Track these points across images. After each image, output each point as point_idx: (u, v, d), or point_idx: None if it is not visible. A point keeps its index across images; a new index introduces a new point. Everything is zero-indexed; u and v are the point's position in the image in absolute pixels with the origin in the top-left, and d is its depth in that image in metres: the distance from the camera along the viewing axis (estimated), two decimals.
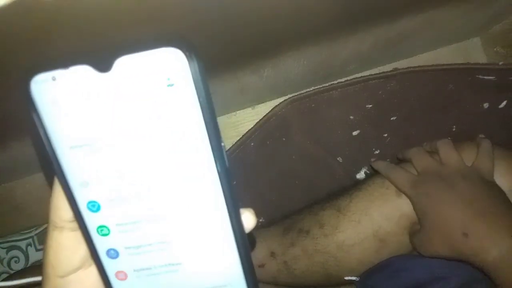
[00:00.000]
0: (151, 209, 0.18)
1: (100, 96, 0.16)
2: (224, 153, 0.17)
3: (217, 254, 0.20)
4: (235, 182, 0.18)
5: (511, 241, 0.38)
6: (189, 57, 0.15)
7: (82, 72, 0.16)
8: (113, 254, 0.20)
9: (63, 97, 0.16)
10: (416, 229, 0.45)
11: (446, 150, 0.45)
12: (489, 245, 0.39)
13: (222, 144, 0.17)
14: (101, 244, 0.20)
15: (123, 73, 0.16)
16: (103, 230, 0.19)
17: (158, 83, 0.16)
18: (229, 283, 0.20)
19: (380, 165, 0.49)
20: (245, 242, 0.19)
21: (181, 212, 0.19)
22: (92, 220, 0.19)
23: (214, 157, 0.17)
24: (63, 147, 0.17)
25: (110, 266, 0.20)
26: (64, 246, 0.20)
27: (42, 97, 0.16)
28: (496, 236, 0.39)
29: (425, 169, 0.45)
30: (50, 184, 0.19)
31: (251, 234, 0.20)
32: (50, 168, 0.18)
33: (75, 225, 0.19)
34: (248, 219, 0.20)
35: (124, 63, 0.16)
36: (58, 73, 0.16)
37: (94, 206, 0.19)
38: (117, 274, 0.20)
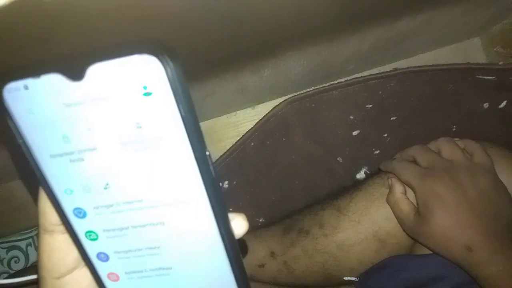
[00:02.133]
0: (138, 216, 0.18)
1: (74, 106, 0.15)
2: (210, 162, 0.17)
3: (207, 260, 0.19)
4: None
5: (510, 262, 0.38)
6: (165, 64, 0.14)
7: (54, 81, 0.15)
8: (103, 257, 0.20)
9: (37, 106, 0.16)
10: (414, 216, 0.44)
11: (449, 147, 0.45)
12: (490, 262, 0.38)
13: (207, 153, 0.16)
14: (91, 248, 0.20)
15: (96, 81, 0.15)
16: (91, 235, 0.19)
17: (133, 92, 0.15)
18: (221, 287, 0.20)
19: (387, 164, 0.48)
20: (235, 248, 0.19)
21: (168, 219, 0.18)
22: (79, 226, 0.19)
23: (199, 166, 0.16)
24: (43, 156, 0.17)
25: (102, 268, 0.20)
26: (57, 249, 0.20)
27: (16, 106, 0.16)
28: (499, 255, 0.38)
29: (430, 163, 0.44)
30: (33, 190, 0.19)
31: (242, 241, 0.19)
32: (33, 176, 0.18)
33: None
34: (239, 224, 0.19)
35: (97, 71, 0.15)
36: (30, 81, 0.15)
37: (80, 213, 0.18)
38: (109, 275, 0.20)
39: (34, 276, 0.37)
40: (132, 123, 0.16)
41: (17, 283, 0.39)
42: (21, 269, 0.64)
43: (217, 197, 0.17)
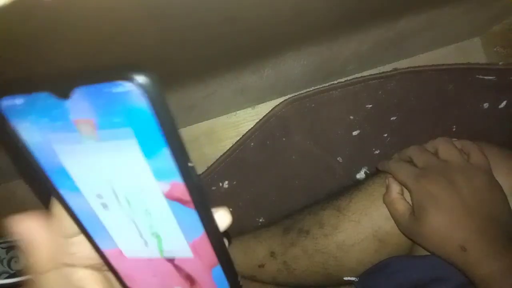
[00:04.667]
0: (126, 210, 0.20)
1: (64, 120, 0.17)
2: (193, 172, 0.18)
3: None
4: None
5: (505, 261, 0.38)
6: (146, 91, 0.16)
7: (44, 98, 0.17)
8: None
9: (31, 119, 0.17)
10: (410, 216, 0.44)
11: (446, 147, 0.45)
12: (484, 262, 0.39)
13: (190, 164, 0.18)
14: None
15: (81, 101, 0.16)
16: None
17: (116, 113, 0.16)
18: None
19: (385, 164, 0.49)
20: (221, 241, 0.21)
21: (154, 217, 0.20)
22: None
23: (183, 177, 0.18)
24: (43, 160, 0.18)
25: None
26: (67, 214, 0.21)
27: (13, 116, 0.17)
28: (493, 255, 0.38)
29: (426, 164, 0.44)
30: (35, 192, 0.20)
31: (226, 233, 0.21)
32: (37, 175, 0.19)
33: None
34: (223, 218, 0.21)
35: (82, 92, 0.16)
36: (23, 97, 0.17)
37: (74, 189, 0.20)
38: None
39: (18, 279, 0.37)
40: (115, 141, 0.17)
41: (17, 282, 0.39)
42: (21, 269, 0.64)
43: (201, 199, 0.19)
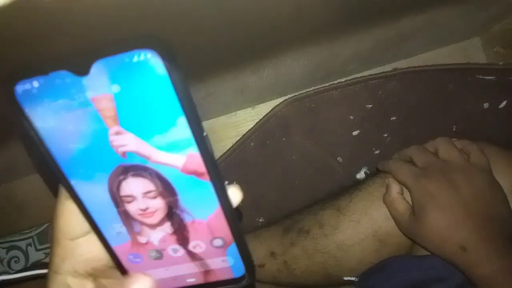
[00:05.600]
0: (145, 187, 0.20)
1: (82, 98, 0.17)
2: (208, 141, 0.18)
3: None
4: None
5: (505, 261, 0.38)
6: (164, 57, 0.16)
7: (62, 77, 0.17)
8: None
9: (47, 101, 0.17)
10: (410, 215, 0.44)
11: (446, 147, 0.45)
12: (484, 262, 0.38)
13: (205, 133, 0.18)
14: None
15: (101, 75, 0.16)
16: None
17: (135, 83, 0.16)
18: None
19: (384, 164, 0.49)
20: (233, 213, 0.21)
21: (170, 188, 0.20)
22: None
23: (198, 146, 0.18)
24: (56, 147, 0.18)
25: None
26: (76, 213, 0.21)
27: (28, 102, 0.17)
28: (494, 255, 0.38)
29: (426, 163, 0.44)
30: (49, 185, 0.20)
31: (237, 209, 0.22)
32: (49, 167, 0.19)
33: None
34: (235, 193, 0.21)
35: (102, 66, 0.16)
36: (40, 78, 0.17)
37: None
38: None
39: (34, 272, 0.38)
40: (135, 110, 0.17)
41: (18, 278, 0.39)
42: (21, 269, 0.64)
43: (216, 171, 0.19)
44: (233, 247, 0.22)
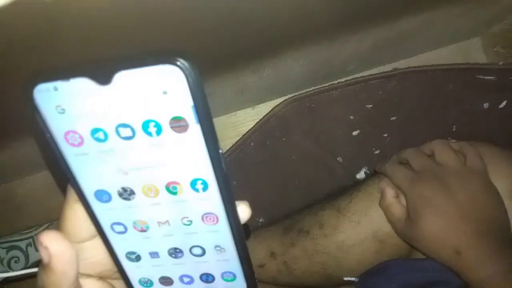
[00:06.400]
0: (154, 203, 0.20)
1: (100, 107, 0.17)
2: (222, 158, 0.19)
3: (216, 241, 0.21)
4: (234, 182, 0.18)
5: (500, 266, 0.38)
6: (186, 73, 0.16)
7: (83, 84, 0.17)
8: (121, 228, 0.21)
9: (65, 107, 0.17)
10: (405, 220, 0.44)
11: (442, 150, 0.45)
12: (479, 266, 0.38)
13: (221, 151, 0.18)
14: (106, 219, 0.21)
15: (122, 86, 0.16)
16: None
17: (156, 97, 0.17)
18: (227, 270, 0.22)
19: (381, 166, 0.49)
20: (241, 231, 0.21)
21: (181, 205, 0.20)
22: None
23: (212, 162, 0.18)
24: (69, 152, 0.18)
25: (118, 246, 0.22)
26: (84, 217, 0.21)
27: (46, 105, 0.17)
28: (488, 259, 0.38)
29: (422, 167, 0.45)
30: (60, 186, 0.20)
31: (246, 225, 0.22)
32: (60, 172, 0.19)
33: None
34: (244, 211, 0.21)
35: (124, 77, 0.16)
36: (60, 83, 0.17)
37: (104, 197, 0.20)
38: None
39: (35, 270, 0.38)
40: (153, 125, 0.17)
41: (18, 275, 0.39)
42: (21, 269, 0.64)
43: (228, 191, 0.19)
44: (236, 265, 0.22)
